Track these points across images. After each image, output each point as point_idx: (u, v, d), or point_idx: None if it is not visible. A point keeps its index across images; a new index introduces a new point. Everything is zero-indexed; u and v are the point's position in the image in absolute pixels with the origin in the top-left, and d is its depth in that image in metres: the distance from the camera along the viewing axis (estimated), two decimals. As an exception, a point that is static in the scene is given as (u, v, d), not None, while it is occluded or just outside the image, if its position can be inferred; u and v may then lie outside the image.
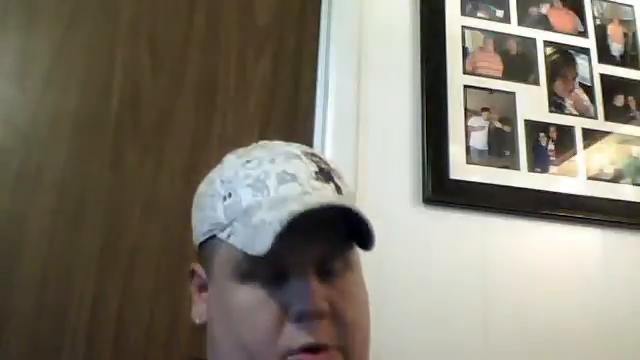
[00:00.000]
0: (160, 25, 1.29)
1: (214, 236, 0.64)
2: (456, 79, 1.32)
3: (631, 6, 1.50)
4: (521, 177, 1.28)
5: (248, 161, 0.65)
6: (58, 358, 1.07)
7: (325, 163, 0.67)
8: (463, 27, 1.38)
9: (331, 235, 0.62)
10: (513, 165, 1.29)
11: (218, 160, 1.24)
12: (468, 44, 1.36)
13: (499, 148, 1.30)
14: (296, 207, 0.57)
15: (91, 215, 1.15)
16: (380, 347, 1.12)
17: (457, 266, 1.21)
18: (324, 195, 0.63)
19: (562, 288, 1.24)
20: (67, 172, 1.16)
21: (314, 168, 0.65)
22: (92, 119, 1.20)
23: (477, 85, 1.33)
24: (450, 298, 1.18)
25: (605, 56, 1.43)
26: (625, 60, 1.45)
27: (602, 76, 1.41)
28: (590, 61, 1.42)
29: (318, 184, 0.63)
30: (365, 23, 1.34)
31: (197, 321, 0.69)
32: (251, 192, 0.62)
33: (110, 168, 1.18)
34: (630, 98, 1.41)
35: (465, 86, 1.32)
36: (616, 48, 1.45)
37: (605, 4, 1.48)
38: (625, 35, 1.47)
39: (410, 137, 1.28)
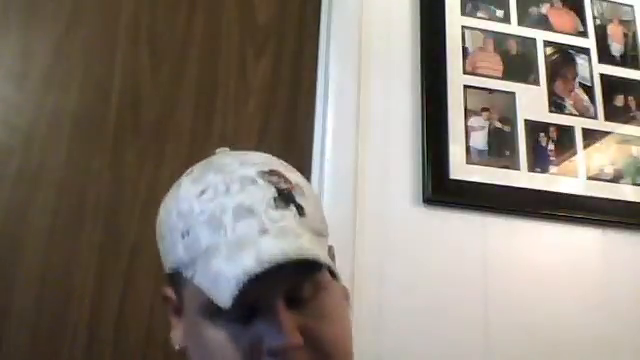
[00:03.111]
0: (160, 25, 1.29)
1: (179, 272, 0.62)
2: (456, 79, 1.32)
3: (631, 6, 1.50)
4: (521, 177, 1.28)
5: (202, 191, 0.61)
6: (58, 358, 1.07)
7: (285, 181, 0.63)
8: (463, 27, 1.38)
9: (295, 263, 0.57)
10: (513, 165, 1.29)
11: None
12: (468, 44, 1.36)
13: (499, 148, 1.30)
14: (250, 263, 0.54)
15: (91, 215, 1.15)
16: (380, 347, 1.12)
17: (457, 266, 1.21)
18: (283, 230, 0.59)
19: (562, 288, 1.24)
20: (67, 172, 1.16)
21: (271, 194, 0.61)
22: (92, 119, 1.20)
23: (477, 85, 1.33)
24: (450, 298, 1.18)
25: (605, 56, 1.43)
26: (625, 60, 1.45)
27: (602, 76, 1.41)
28: (590, 61, 1.42)
29: (277, 214, 0.60)
30: (365, 23, 1.34)
31: (176, 347, 0.68)
32: (208, 231, 0.59)
33: (110, 168, 1.18)
34: (630, 98, 1.41)
35: (465, 86, 1.32)
36: (616, 48, 1.45)
37: (605, 4, 1.48)
38: (625, 35, 1.47)
39: (410, 137, 1.28)
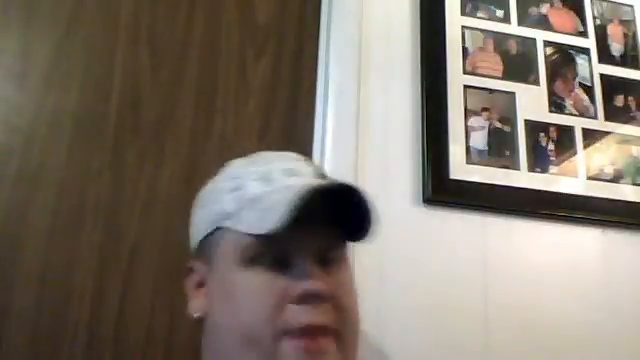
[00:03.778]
0: (160, 25, 1.29)
1: (217, 228, 0.67)
2: (456, 79, 1.32)
3: (631, 6, 1.50)
4: (521, 177, 1.28)
5: (254, 162, 0.70)
6: (58, 358, 1.07)
7: (321, 169, 0.73)
8: (463, 27, 1.38)
9: (328, 228, 0.65)
10: (513, 165, 1.29)
11: (218, 160, 1.25)
12: (468, 44, 1.36)
13: (499, 148, 1.30)
14: (309, 183, 0.62)
15: (91, 215, 1.15)
16: (380, 347, 1.12)
17: (457, 266, 1.20)
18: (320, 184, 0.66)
19: (562, 288, 1.24)
20: (67, 172, 1.16)
21: (314, 170, 0.71)
22: (92, 119, 1.20)
23: (477, 85, 1.33)
24: (450, 298, 1.18)
25: (605, 56, 1.43)
26: (625, 60, 1.45)
27: (602, 76, 1.41)
28: (590, 61, 1.42)
29: (313, 180, 0.68)
30: (365, 23, 1.34)
31: (195, 315, 0.70)
32: (258, 184, 0.66)
33: (110, 168, 1.18)
34: (630, 98, 1.41)
35: (465, 86, 1.32)
36: (616, 48, 1.45)
37: (605, 4, 1.48)
38: (625, 35, 1.47)
39: (410, 137, 1.28)
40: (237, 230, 0.64)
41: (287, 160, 0.71)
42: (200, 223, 0.71)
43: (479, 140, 1.29)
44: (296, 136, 1.28)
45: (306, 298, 0.61)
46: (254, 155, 0.74)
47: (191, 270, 0.73)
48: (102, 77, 1.23)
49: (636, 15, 1.50)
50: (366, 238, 0.65)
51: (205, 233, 0.69)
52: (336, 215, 0.65)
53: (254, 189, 0.65)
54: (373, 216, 0.63)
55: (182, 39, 1.29)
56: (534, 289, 1.22)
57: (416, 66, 1.33)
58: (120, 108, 1.22)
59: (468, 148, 1.27)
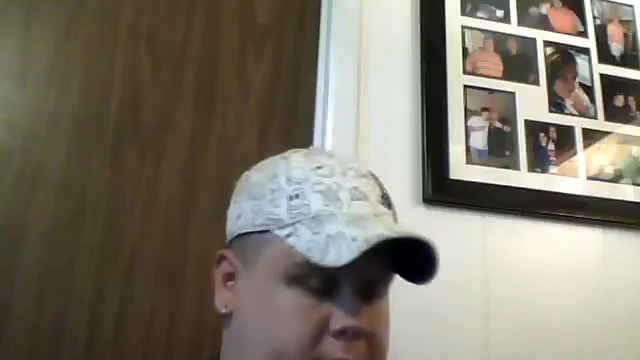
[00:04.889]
0: (160, 25, 1.29)
1: (267, 231, 0.63)
2: (456, 79, 1.32)
3: (631, 6, 1.50)
4: (521, 177, 1.28)
5: (319, 167, 0.65)
6: (58, 358, 1.07)
7: (384, 189, 0.69)
8: (463, 27, 1.38)
9: (382, 260, 0.63)
10: (513, 165, 1.29)
11: (218, 160, 1.25)
12: (468, 44, 1.36)
13: (499, 148, 1.30)
14: (382, 230, 0.58)
15: (91, 215, 1.15)
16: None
17: (457, 266, 1.20)
18: (388, 221, 0.64)
19: (562, 288, 1.24)
20: (67, 172, 1.16)
21: (379, 191, 0.67)
22: (92, 119, 1.20)
23: (477, 85, 1.33)
24: (450, 298, 1.18)
25: (605, 56, 1.43)
26: (625, 60, 1.44)
27: (602, 76, 1.41)
28: (590, 61, 1.42)
29: (383, 209, 0.65)
30: (365, 23, 1.34)
31: (222, 310, 0.67)
32: (322, 200, 0.62)
33: (110, 168, 1.18)
34: (630, 98, 1.41)
35: (465, 86, 1.32)
36: (616, 48, 1.45)
37: (605, 4, 1.48)
38: (625, 35, 1.47)
39: (410, 137, 1.28)
40: (289, 244, 0.60)
41: (356, 175, 0.65)
42: (246, 215, 0.66)
43: (479, 140, 1.29)
44: (296, 136, 1.28)
45: (344, 334, 0.59)
46: (319, 153, 0.69)
47: (222, 258, 0.69)
48: (102, 77, 1.23)
49: (636, 15, 1.50)
50: (424, 283, 0.64)
51: (251, 230, 0.65)
52: (397, 257, 0.63)
53: (316, 204, 0.62)
54: (437, 267, 0.63)
55: (182, 39, 1.29)
56: (534, 289, 1.22)
57: (416, 66, 1.33)
58: (120, 108, 1.22)
59: (468, 148, 1.27)
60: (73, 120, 1.19)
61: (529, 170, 1.29)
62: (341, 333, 0.59)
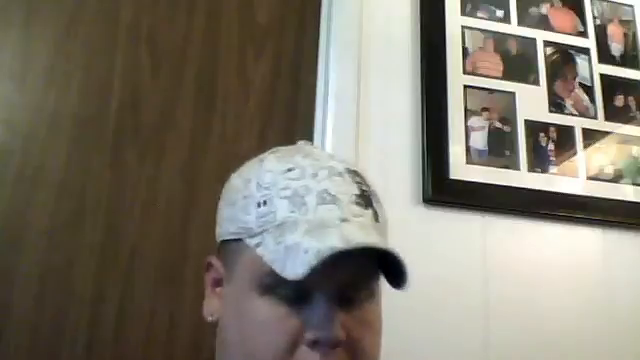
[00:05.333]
0: (160, 25, 1.29)
1: (241, 239, 0.62)
2: (456, 79, 1.32)
3: (631, 6, 1.50)
4: (521, 177, 1.28)
5: (290, 169, 0.62)
6: (58, 358, 1.07)
7: (366, 185, 0.65)
8: (463, 27, 1.38)
9: (360, 263, 0.59)
10: (513, 165, 1.29)
11: (218, 160, 1.24)
12: (468, 44, 1.36)
13: (499, 148, 1.30)
14: (336, 242, 0.55)
15: (91, 215, 1.15)
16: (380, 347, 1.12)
17: (457, 266, 1.20)
18: (363, 225, 0.60)
19: (562, 288, 1.24)
20: (67, 172, 1.16)
21: (355, 190, 0.63)
22: (92, 119, 1.20)
23: (477, 85, 1.33)
24: (450, 298, 1.18)
25: (605, 56, 1.43)
26: (625, 60, 1.44)
27: (602, 76, 1.41)
28: (590, 61, 1.42)
29: (357, 209, 0.61)
30: (365, 23, 1.34)
31: (209, 319, 0.67)
32: (288, 206, 0.60)
33: (110, 168, 1.18)
34: (630, 98, 1.41)
35: (465, 86, 1.32)
36: (616, 48, 1.45)
37: (605, 4, 1.48)
38: (625, 35, 1.47)
39: (410, 137, 1.28)
40: (258, 254, 0.59)
41: (328, 175, 0.62)
42: (225, 222, 0.66)
43: (479, 140, 1.29)
44: (296, 136, 1.28)
45: (319, 345, 0.57)
46: (296, 152, 0.66)
47: (210, 265, 0.69)
48: (102, 77, 1.23)
49: (636, 15, 1.50)
50: (400, 289, 0.60)
51: (228, 237, 0.64)
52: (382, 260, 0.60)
53: (282, 211, 0.59)
54: (405, 274, 0.59)
55: (182, 39, 1.29)
56: (534, 289, 1.22)
57: (416, 66, 1.33)
58: (120, 108, 1.22)
59: (468, 148, 1.27)
60: (73, 120, 1.19)
61: (529, 170, 1.29)
62: (315, 343, 0.57)
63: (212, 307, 0.67)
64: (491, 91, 1.34)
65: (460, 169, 1.26)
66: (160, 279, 1.14)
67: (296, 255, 0.55)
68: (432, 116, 1.28)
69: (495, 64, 1.36)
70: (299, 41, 1.36)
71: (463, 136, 1.28)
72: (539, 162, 1.30)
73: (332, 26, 1.33)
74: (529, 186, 1.28)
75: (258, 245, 0.60)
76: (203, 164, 1.22)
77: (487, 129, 1.30)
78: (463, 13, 1.39)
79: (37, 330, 1.07)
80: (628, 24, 1.48)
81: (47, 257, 1.11)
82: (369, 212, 0.63)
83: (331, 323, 0.57)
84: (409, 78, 1.32)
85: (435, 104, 1.29)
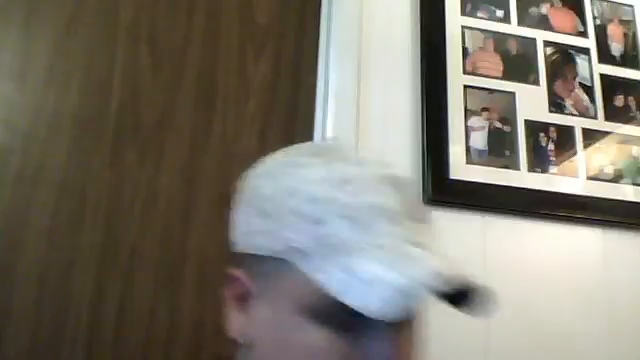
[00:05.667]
0: (160, 25, 1.29)
1: (286, 259, 0.55)
2: (456, 79, 1.32)
3: (631, 6, 1.50)
4: (521, 177, 1.28)
5: (343, 181, 0.55)
6: (58, 358, 1.07)
7: (413, 191, 0.60)
8: (463, 27, 1.38)
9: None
10: (513, 165, 1.29)
11: (218, 160, 1.23)
12: (468, 44, 1.36)
13: (499, 148, 1.30)
14: (423, 276, 0.50)
15: (91, 215, 1.15)
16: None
17: (457, 266, 1.20)
18: (429, 246, 0.56)
19: (562, 288, 1.24)
20: (67, 172, 1.16)
21: (410, 203, 0.58)
22: (92, 119, 1.20)
23: (477, 85, 1.33)
24: (450, 298, 1.18)
25: (605, 56, 1.43)
26: (625, 60, 1.44)
27: (602, 76, 1.41)
28: (590, 61, 1.42)
29: (416, 226, 0.57)
30: (365, 23, 1.34)
31: (241, 340, 0.60)
32: (349, 226, 0.53)
33: (110, 168, 1.18)
34: (630, 98, 1.41)
35: (465, 86, 1.32)
36: (616, 48, 1.45)
37: (605, 4, 1.48)
38: (625, 35, 1.47)
39: (410, 137, 1.28)
40: (315, 281, 0.52)
41: (385, 189, 0.56)
42: (259, 235, 0.57)
43: (479, 140, 1.29)
44: (296, 136, 1.28)
45: None
46: (342, 159, 0.58)
47: (233, 278, 0.61)
48: (102, 77, 1.23)
49: (636, 15, 1.50)
50: (463, 311, 0.56)
51: (266, 254, 0.56)
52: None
53: (343, 233, 0.53)
54: (481, 300, 0.55)
55: (182, 39, 1.29)
56: (534, 289, 1.22)
57: (416, 66, 1.33)
58: (120, 108, 1.22)
59: (468, 148, 1.27)
60: (73, 120, 1.19)
61: (529, 170, 1.29)
62: None
63: (238, 325, 0.60)
64: (491, 91, 1.34)
65: (460, 169, 1.26)
66: (160, 279, 1.14)
67: (378, 290, 0.49)
68: (432, 116, 1.28)
69: (495, 64, 1.36)
70: (299, 41, 1.36)
71: (463, 136, 1.28)
72: (539, 162, 1.30)
73: (332, 26, 1.33)
74: (529, 186, 1.28)
75: (315, 270, 0.53)
76: (203, 164, 1.22)
77: (487, 129, 1.30)
78: (463, 13, 1.39)
79: (37, 330, 1.07)
80: (628, 24, 1.48)
81: (47, 257, 1.11)
82: (426, 226, 0.59)
83: (396, 350, 0.53)
84: (409, 78, 1.32)
85: (435, 104, 1.29)
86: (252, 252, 0.58)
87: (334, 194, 0.54)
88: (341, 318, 0.52)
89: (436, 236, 0.60)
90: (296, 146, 0.64)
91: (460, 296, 0.56)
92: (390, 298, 0.49)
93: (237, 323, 0.60)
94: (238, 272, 0.61)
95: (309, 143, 0.64)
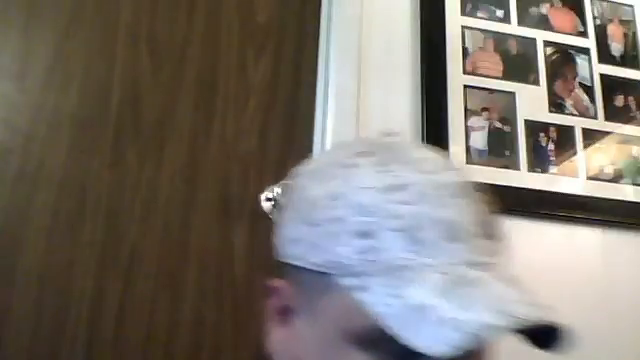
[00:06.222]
0: (160, 25, 1.29)
1: (329, 273, 0.48)
2: (456, 79, 1.32)
3: (631, 6, 1.50)
4: (521, 177, 1.28)
5: (395, 187, 0.47)
6: (58, 358, 1.07)
7: (484, 201, 0.52)
8: (463, 27, 1.38)
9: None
10: (513, 165, 1.29)
11: (218, 160, 1.23)
12: (468, 44, 1.36)
13: (499, 148, 1.30)
14: (486, 316, 0.43)
15: (91, 215, 1.15)
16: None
17: (457, 266, 1.20)
18: (501, 274, 0.50)
19: (562, 288, 1.24)
20: (67, 172, 1.16)
21: (479, 216, 0.50)
22: (92, 119, 1.20)
23: (477, 85, 1.33)
24: (450, 298, 1.18)
25: (605, 56, 1.43)
26: (625, 60, 1.44)
27: (602, 76, 1.41)
28: (590, 61, 1.42)
29: (486, 245, 0.49)
30: (365, 23, 1.34)
31: (274, 356, 0.54)
32: (401, 242, 0.46)
33: (110, 168, 1.18)
34: (630, 98, 1.41)
35: (465, 86, 1.32)
36: (616, 48, 1.45)
37: (605, 4, 1.48)
38: (625, 35, 1.47)
39: (410, 137, 1.28)
40: (358, 300, 0.45)
41: (446, 198, 0.48)
42: (302, 245, 0.50)
43: (479, 140, 1.29)
44: (296, 136, 1.28)
45: None
46: (393, 157, 0.50)
47: (274, 290, 0.55)
48: (102, 77, 1.23)
49: (636, 15, 1.50)
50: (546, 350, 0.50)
51: (307, 266, 0.50)
52: None
53: (393, 250, 0.45)
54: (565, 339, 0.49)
55: (182, 39, 1.29)
56: (533, 289, 1.22)
57: (416, 66, 1.33)
58: (120, 108, 1.22)
59: (468, 148, 1.27)
60: (73, 120, 1.19)
61: (529, 170, 1.29)
62: None
63: (281, 341, 0.54)
64: (491, 91, 1.34)
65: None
66: (160, 279, 1.14)
67: (430, 324, 0.42)
68: (432, 116, 1.28)
69: (495, 64, 1.36)
70: (299, 41, 1.36)
71: (463, 136, 1.28)
72: (539, 162, 1.30)
73: (332, 26, 1.33)
74: (529, 186, 1.28)
75: (358, 289, 0.46)
76: (203, 164, 1.22)
77: (487, 129, 1.30)
78: (463, 13, 1.39)
79: (37, 330, 1.07)
80: (628, 24, 1.49)
81: (47, 257, 1.11)
82: (497, 245, 0.51)
83: None
84: (409, 78, 1.32)
85: (435, 104, 1.29)
86: (293, 262, 0.51)
87: (383, 203, 0.47)
88: (389, 347, 0.44)
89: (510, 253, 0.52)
90: (349, 142, 0.57)
91: (534, 333, 0.49)
92: (448, 339, 0.41)
93: (277, 338, 0.54)
94: (280, 283, 0.55)
95: (363, 138, 0.57)
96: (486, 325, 0.42)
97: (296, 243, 0.51)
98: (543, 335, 0.49)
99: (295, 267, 0.51)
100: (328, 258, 0.48)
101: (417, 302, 0.43)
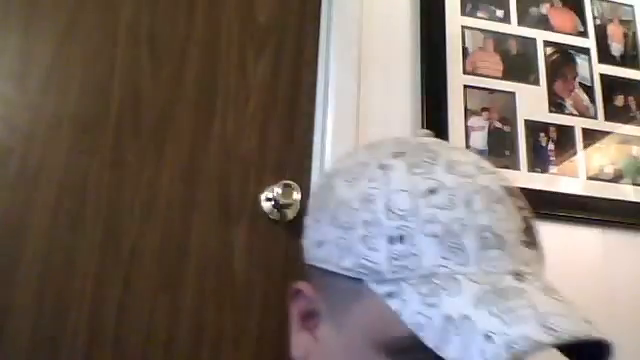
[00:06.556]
0: (160, 25, 1.29)
1: (359, 279, 0.46)
2: (456, 79, 1.32)
3: (631, 6, 1.50)
4: (521, 177, 1.28)
5: (432, 191, 0.45)
6: (58, 358, 1.07)
7: (526, 206, 0.50)
8: (463, 27, 1.38)
9: None
10: (513, 165, 1.29)
11: (218, 160, 1.23)
12: (468, 44, 1.36)
13: (499, 148, 1.30)
14: (532, 331, 0.40)
15: (91, 215, 1.15)
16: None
17: (457, 266, 1.20)
18: (545, 285, 0.49)
19: (562, 288, 1.23)
20: (67, 172, 1.16)
21: (520, 223, 0.47)
22: (92, 119, 1.20)
23: (477, 85, 1.33)
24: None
25: (605, 56, 1.44)
26: (625, 60, 1.45)
27: (602, 76, 1.41)
28: (590, 61, 1.42)
29: (528, 254, 0.47)
30: (365, 23, 1.34)
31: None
32: (437, 248, 0.44)
33: (110, 168, 1.18)
34: (630, 98, 1.41)
35: (465, 86, 1.32)
36: (616, 48, 1.45)
37: (605, 4, 1.48)
38: (625, 35, 1.47)
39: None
40: (391, 308, 0.43)
41: (487, 203, 0.46)
42: (330, 248, 0.48)
43: (479, 140, 1.29)
44: (296, 136, 1.28)
45: None
46: (431, 160, 0.48)
47: (299, 293, 0.54)
48: (102, 77, 1.23)
49: (636, 15, 1.50)
50: None
51: (336, 271, 0.48)
52: None
53: (429, 256, 0.43)
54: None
55: (182, 39, 1.29)
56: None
57: (416, 66, 1.33)
58: (120, 108, 1.22)
59: (468, 148, 1.27)
60: (73, 120, 1.19)
61: (529, 170, 1.29)
62: None
63: (306, 346, 0.52)
64: (491, 91, 1.34)
65: (460, 169, 1.26)
66: (160, 279, 1.14)
67: (470, 337, 0.40)
68: (432, 116, 1.28)
69: (495, 64, 1.36)
70: (299, 41, 1.36)
71: (463, 136, 1.28)
72: (539, 162, 1.30)
73: (332, 26, 1.33)
74: (529, 186, 1.28)
75: (393, 297, 0.44)
76: (203, 164, 1.22)
77: (487, 129, 1.30)
78: (463, 13, 1.39)
79: (37, 329, 1.07)
80: (628, 24, 1.49)
81: (47, 257, 1.11)
82: (537, 253, 0.49)
83: None
84: (409, 78, 1.32)
85: (435, 104, 1.29)
86: (320, 265, 0.50)
87: (419, 206, 0.45)
88: (421, 357, 0.42)
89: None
90: (381, 141, 0.55)
91: (576, 347, 0.47)
92: (491, 354, 0.39)
93: (301, 343, 0.53)
94: (305, 286, 0.53)
95: (396, 138, 0.55)
96: (532, 341, 0.40)
97: (324, 245, 0.49)
98: (584, 349, 0.47)
99: (322, 270, 0.50)
100: (359, 262, 0.46)
101: (455, 313, 0.41)
